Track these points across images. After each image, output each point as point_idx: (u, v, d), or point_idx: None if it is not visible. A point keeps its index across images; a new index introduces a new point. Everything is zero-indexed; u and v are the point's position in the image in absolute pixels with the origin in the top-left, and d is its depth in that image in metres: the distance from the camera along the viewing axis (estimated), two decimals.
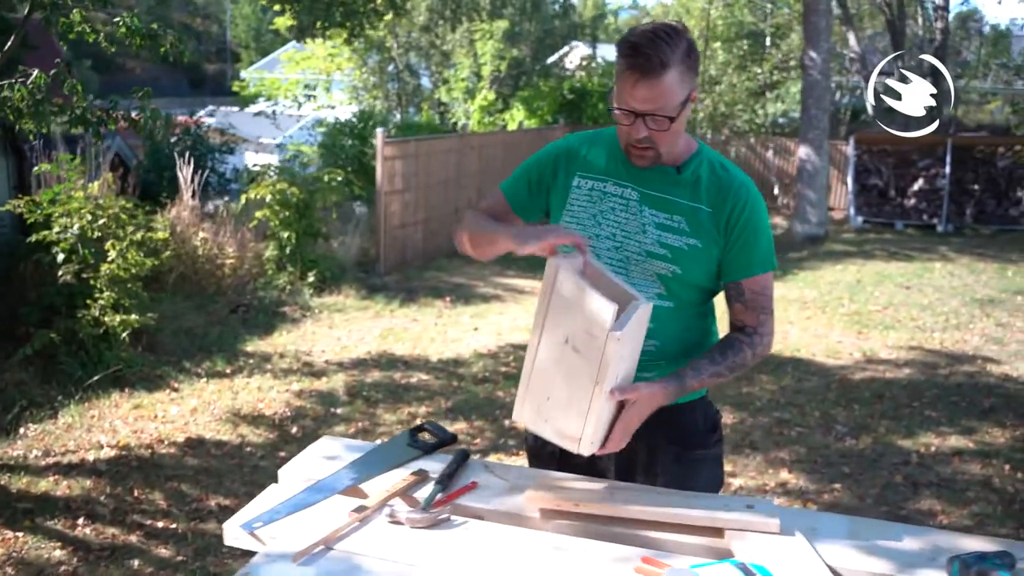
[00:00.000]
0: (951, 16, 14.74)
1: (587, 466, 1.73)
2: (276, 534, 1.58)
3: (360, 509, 1.62)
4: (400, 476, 1.77)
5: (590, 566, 1.43)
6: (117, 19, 4.21)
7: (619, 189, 1.72)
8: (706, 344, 1.79)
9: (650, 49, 1.52)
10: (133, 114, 4.19)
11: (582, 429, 1.52)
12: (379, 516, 1.62)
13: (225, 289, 7.17)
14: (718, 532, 1.55)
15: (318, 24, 10.16)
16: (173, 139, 11.67)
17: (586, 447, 1.53)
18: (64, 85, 3.98)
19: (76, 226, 5.22)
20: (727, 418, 4.61)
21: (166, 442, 4.18)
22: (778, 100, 17.45)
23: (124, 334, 5.17)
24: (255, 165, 10.58)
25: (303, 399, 4.86)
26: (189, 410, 4.65)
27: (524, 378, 1.57)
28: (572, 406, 1.52)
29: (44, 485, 3.66)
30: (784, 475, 3.87)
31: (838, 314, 7.09)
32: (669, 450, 1.75)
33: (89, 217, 5.31)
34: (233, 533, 1.61)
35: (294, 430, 4.40)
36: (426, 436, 2.00)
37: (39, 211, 5.36)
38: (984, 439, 4.32)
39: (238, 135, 17.63)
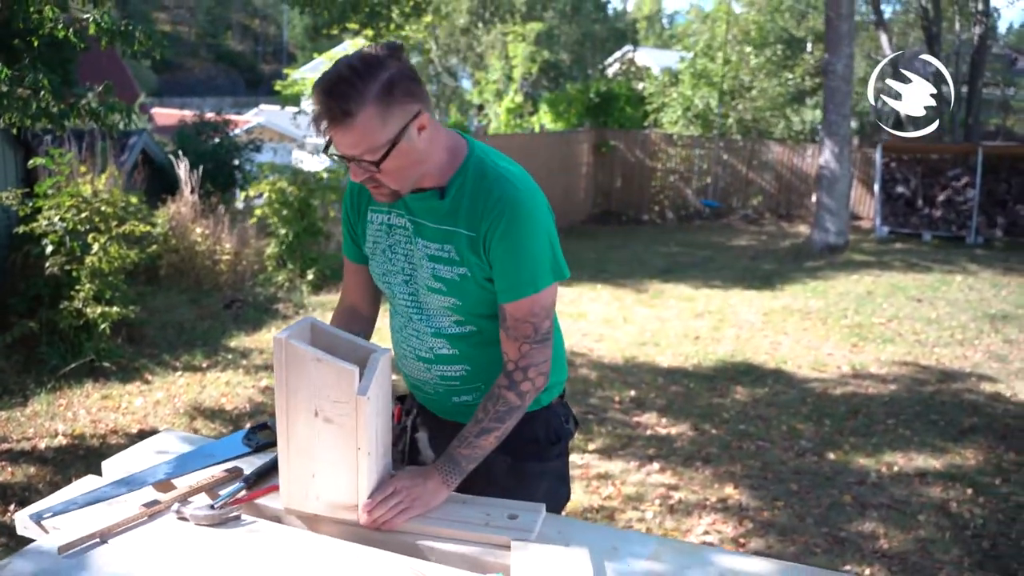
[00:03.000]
0: (1015, 25, 14.21)
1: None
2: (62, 525, 1.57)
3: (152, 503, 1.61)
4: (212, 473, 1.75)
5: (351, 572, 1.39)
6: (87, 15, 4.30)
7: (400, 220, 1.63)
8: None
9: (331, 96, 1.39)
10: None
11: (357, 497, 1.50)
12: (170, 512, 1.60)
13: (222, 285, 7.28)
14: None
15: (335, 27, 10.25)
16: (199, 137, 11.94)
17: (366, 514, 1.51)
18: (27, 80, 4.09)
19: (58, 218, 5.35)
20: (686, 430, 4.49)
21: (120, 433, 4.25)
22: (816, 107, 17.09)
23: (104, 325, 5.28)
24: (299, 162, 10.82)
25: (266, 395, 4.89)
26: (153, 402, 4.72)
27: (283, 462, 1.53)
28: (340, 477, 1.49)
29: None
30: (728, 490, 3.75)
31: (838, 326, 6.88)
32: (501, 460, 1.67)
33: (74, 210, 5.44)
34: (23, 522, 1.61)
35: (248, 425, 4.42)
36: (266, 435, 1.99)
37: (29, 204, 5.51)
38: (953, 461, 4.12)
39: (284, 134, 17.98)
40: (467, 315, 1.61)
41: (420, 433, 1.85)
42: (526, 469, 1.72)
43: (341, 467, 1.49)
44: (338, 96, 1.39)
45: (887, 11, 16.20)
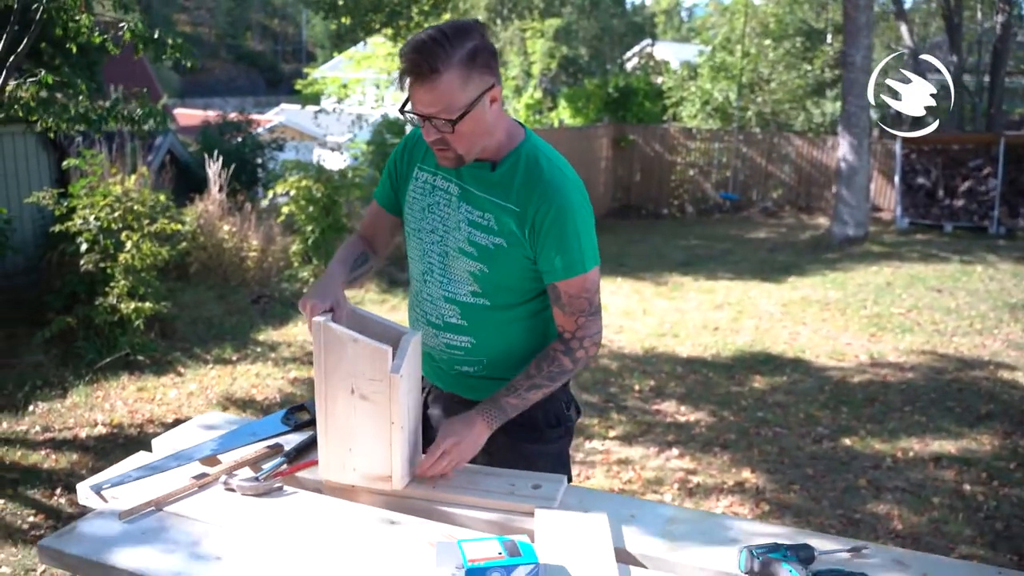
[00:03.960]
0: None
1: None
2: (120, 495, 1.71)
3: (201, 476, 1.74)
4: (255, 449, 1.88)
5: (385, 536, 1.51)
6: (123, 24, 4.46)
7: (445, 183, 1.75)
8: (546, 346, 1.80)
9: (421, 54, 1.51)
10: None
11: (391, 468, 1.62)
12: (218, 483, 1.73)
13: (249, 281, 7.46)
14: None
15: (358, 31, 10.40)
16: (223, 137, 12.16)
17: (400, 482, 1.63)
18: (68, 86, 4.26)
19: (92, 217, 5.53)
20: (705, 417, 4.58)
21: (156, 422, 4.42)
22: (836, 99, 17.02)
23: (138, 321, 5.45)
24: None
25: (295, 386, 5.04)
26: (187, 393, 4.89)
27: (321, 437, 1.65)
28: (376, 450, 1.61)
29: (35, 458, 3.92)
30: (745, 474, 3.84)
31: (857, 316, 6.92)
32: (503, 440, 1.78)
33: (108, 209, 5.62)
34: (85, 493, 1.75)
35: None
36: (303, 415, 2.12)
37: (64, 203, 5.70)
38: (969, 446, 4.18)
39: (306, 132, 18.20)
40: (487, 284, 1.72)
41: (432, 410, 1.97)
42: (526, 450, 1.82)
43: (376, 440, 1.61)
44: (427, 54, 1.51)
45: (907, 1, 16.09)
